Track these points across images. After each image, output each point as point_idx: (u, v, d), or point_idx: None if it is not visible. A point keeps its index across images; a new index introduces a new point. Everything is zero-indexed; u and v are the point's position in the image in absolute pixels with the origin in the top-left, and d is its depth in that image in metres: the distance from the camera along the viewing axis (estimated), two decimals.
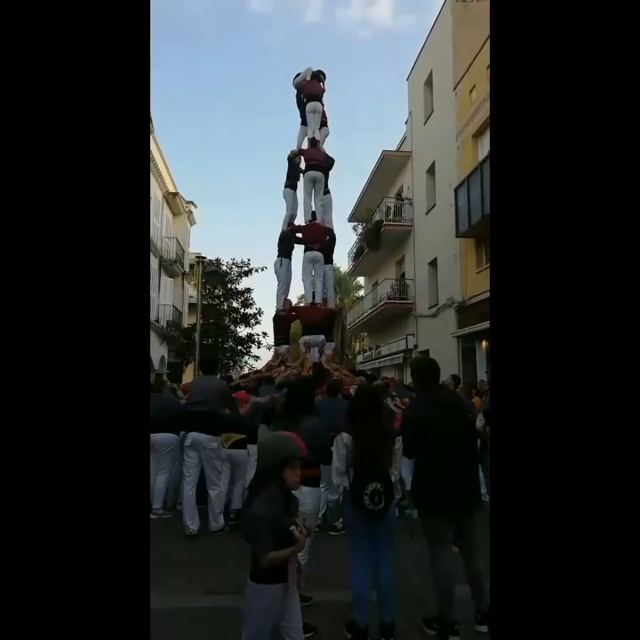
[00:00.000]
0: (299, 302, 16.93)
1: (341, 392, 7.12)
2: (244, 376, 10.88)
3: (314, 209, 12.66)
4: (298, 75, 13.44)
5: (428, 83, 20.57)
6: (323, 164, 12.75)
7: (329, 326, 11.87)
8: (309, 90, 13.14)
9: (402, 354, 21.11)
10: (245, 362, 22.76)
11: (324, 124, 13.07)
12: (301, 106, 13.40)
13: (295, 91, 13.50)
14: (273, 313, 12.44)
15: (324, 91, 13.42)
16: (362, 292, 35.69)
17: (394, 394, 7.93)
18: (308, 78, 13.25)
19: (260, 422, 7.23)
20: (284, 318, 11.97)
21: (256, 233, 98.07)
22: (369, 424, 3.84)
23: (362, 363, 26.46)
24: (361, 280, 36.40)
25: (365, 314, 24.35)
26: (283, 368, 10.74)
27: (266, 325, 24.27)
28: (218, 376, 8.58)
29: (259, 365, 19.73)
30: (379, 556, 3.81)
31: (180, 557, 5.38)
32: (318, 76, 13.38)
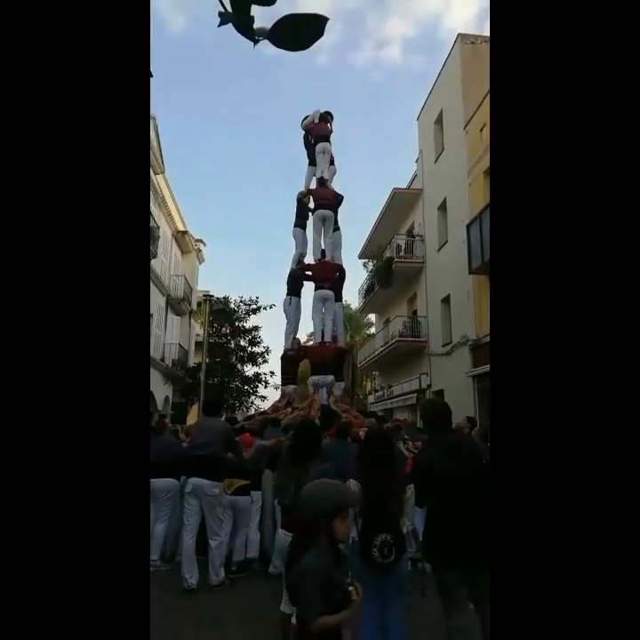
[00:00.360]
0: (308, 340, 16.71)
1: (351, 435, 6.81)
2: (249, 417, 10.54)
3: (323, 247, 12.59)
4: (306, 117, 13.71)
5: (439, 122, 20.68)
6: (332, 202, 12.69)
7: (339, 365, 11.62)
8: (318, 131, 13.33)
9: (415, 394, 20.68)
10: (252, 402, 22.24)
11: (331, 162, 13.15)
12: (309, 147, 13.56)
13: (303, 132, 13.71)
14: (281, 351, 12.26)
15: (331, 131, 13.59)
16: (373, 330, 35.04)
17: (406, 437, 7.61)
18: (316, 120, 13.45)
19: (265, 467, 7.02)
20: (292, 358, 11.77)
21: (265, 271, 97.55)
22: (379, 468, 3.66)
23: (373, 403, 26.01)
24: (372, 317, 35.76)
25: (377, 352, 23.93)
26: (289, 409, 10.46)
27: (273, 364, 24.26)
28: (223, 417, 8.28)
29: (265, 406, 19.37)
30: (388, 611, 3.58)
31: (177, 614, 5.02)
32: (326, 118, 13.61)
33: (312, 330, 12.46)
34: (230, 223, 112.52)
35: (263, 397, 22.62)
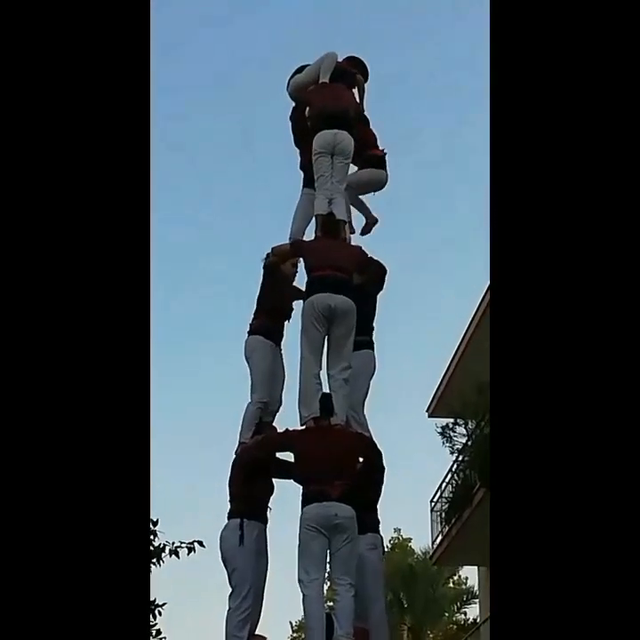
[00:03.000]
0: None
1: None
2: None
3: (328, 388, 4.98)
4: (299, 70, 5.78)
5: None
6: (350, 276, 5.12)
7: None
8: (324, 102, 5.37)
9: None
10: None
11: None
12: (305, 139, 5.63)
13: (292, 105, 5.74)
14: None
15: (362, 108, 5.74)
16: (472, 612, 20.45)
17: None
18: (326, 77, 5.49)
19: None
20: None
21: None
22: None
23: None
24: (468, 575, 20.74)
25: None
26: None
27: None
28: None
29: None
30: None
31: None
32: (347, 73, 5.63)
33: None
34: None
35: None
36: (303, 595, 4.50)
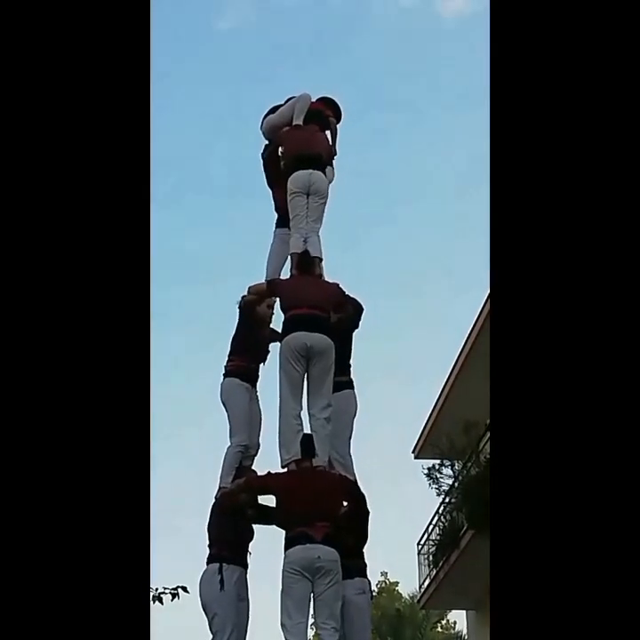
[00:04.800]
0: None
1: None
2: None
3: (309, 428, 4.90)
4: (275, 108, 5.87)
5: None
6: (327, 314, 5.08)
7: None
8: (299, 144, 5.47)
9: None
10: None
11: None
12: (274, 179, 5.71)
13: (264, 143, 5.77)
14: None
15: (333, 148, 5.76)
16: None
17: None
18: (299, 119, 5.58)
19: None
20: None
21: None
22: None
23: None
24: (457, 619, 20.04)
25: None
26: None
27: None
28: None
29: None
30: None
31: None
32: (321, 114, 5.72)
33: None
34: None
35: None
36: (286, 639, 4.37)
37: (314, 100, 5.80)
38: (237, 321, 5.31)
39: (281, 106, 5.83)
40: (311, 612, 4.52)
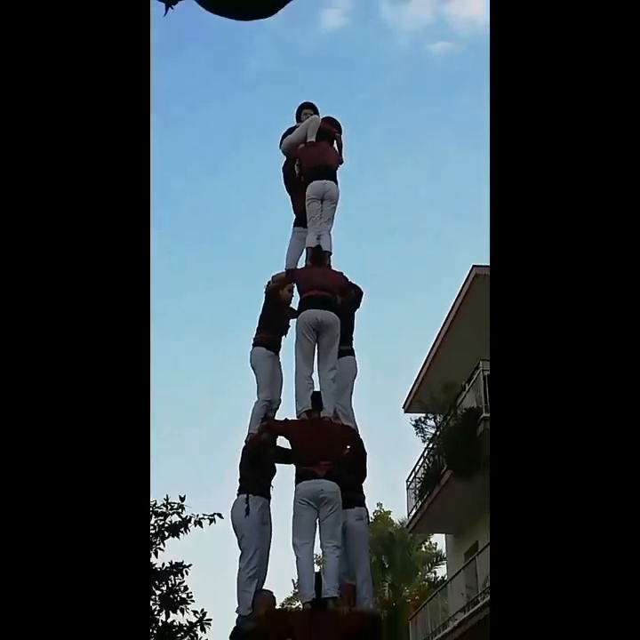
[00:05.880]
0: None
1: None
2: None
3: (318, 387, 6.20)
4: (290, 129, 7.08)
5: None
6: (335, 295, 6.37)
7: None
8: (314, 158, 6.71)
9: None
10: None
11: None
12: (294, 188, 6.99)
13: (283, 159, 7.08)
14: (232, 619, 5.73)
15: (341, 159, 7.06)
16: (441, 571, 23.20)
17: None
18: (313, 137, 6.78)
19: None
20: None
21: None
22: None
23: None
24: (437, 541, 22.99)
25: (457, 623, 13.19)
26: None
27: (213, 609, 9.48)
28: None
29: None
30: None
31: None
32: (329, 132, 6.97)
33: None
34: None
35: None
36: (296, 556, 5.46)
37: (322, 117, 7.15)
38: (263, 302, 6.65)
39: (295, 127, 7.09)
40: (317, 535, 5.60)
